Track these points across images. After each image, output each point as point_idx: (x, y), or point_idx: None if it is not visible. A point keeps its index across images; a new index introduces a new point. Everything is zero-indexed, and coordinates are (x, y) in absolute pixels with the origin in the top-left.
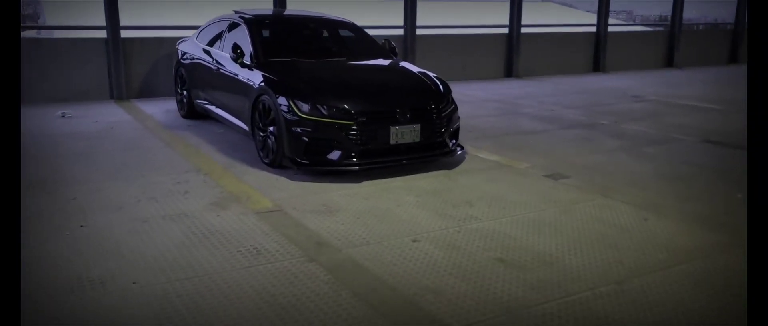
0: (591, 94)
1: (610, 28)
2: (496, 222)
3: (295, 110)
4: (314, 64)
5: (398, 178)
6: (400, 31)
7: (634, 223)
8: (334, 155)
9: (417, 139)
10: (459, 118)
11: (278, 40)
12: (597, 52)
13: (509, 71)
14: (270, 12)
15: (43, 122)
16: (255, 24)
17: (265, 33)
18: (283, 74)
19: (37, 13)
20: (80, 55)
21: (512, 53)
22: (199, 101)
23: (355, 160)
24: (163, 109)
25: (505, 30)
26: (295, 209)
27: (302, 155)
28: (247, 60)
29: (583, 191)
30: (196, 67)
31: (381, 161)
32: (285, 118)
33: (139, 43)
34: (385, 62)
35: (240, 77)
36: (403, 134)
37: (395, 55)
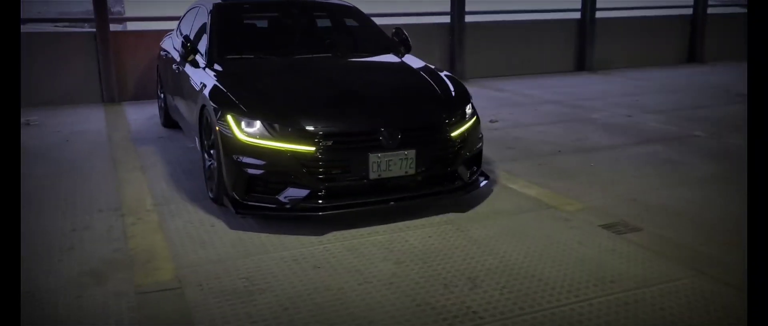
0: (683, 92)
1: (709, 10)
2: None
3: (234, 130)
4: (284, 63)
5: (381, 227)
6: (447, 19)
7: None
8: (288, 195)
9: (411, 171)
10: (482, 136)
11: (249, 30)
12: (693, 38)
13: (581, 64)
14: None
15: None
16: (221, 10)
17: (237, 21)
18: (231, 77)
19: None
20: (67, 51)
21: (585, 42)
22: (171, 108)
23: (320, 202)
24: (148, 115)
25: (577, 15)
26: (200, 286)
27: (244, 194)
28: (199, 57)
29: (661, 259)
30: (166, 66)
31: (355, 204)
32: (223, 140)
33: (133, 37)
34: (386, 59)
35: (192, 80)
36: (390, 164)
37: (408, 49)
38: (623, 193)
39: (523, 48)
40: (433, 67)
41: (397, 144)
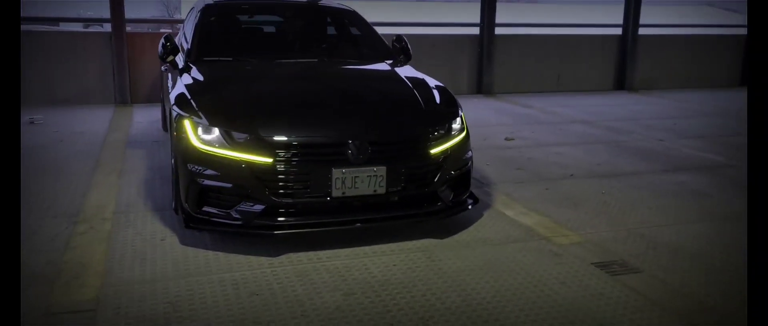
0: (729, 117)
1: None
2: None
3: (190, 137)
4: (263, 67)
5: (344, 251)
6: (476, 31)
7: None
8: (241, 211)
9: (381, 190)
10: (471, 154)
11: (235, 32)
12: (747, 60)
13: (620, 83)
14: (245, 0)
15: None
16: (208, 10)
17: (225, 23)
18: (201, 80)
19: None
20: (81, 51)
21: (626, 60)
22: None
23: (281, 220)
24: (153, 119)
25: (618, 31)
26: (117, 309)
27: (196, 206)
28: (179, 58)
29: (655, 308)
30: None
31: (315, 224)
32: (180, 147)
33: (149, 38)
34: (375, 67)
35: (169, 82)
36: (356, 181)
37: (408, 58)
38: (631, 227)
39: (558, 64)
40: (424, 77)
41: (366, 159)
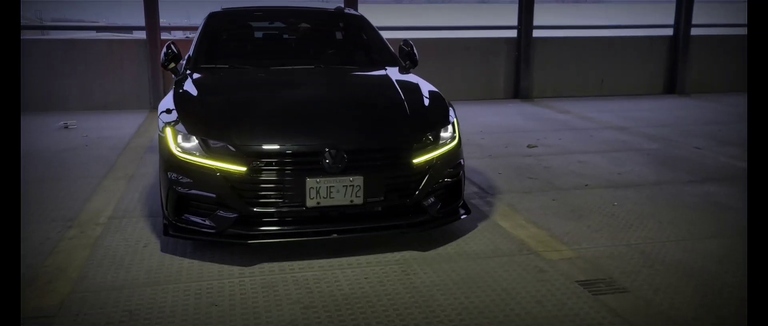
0: None
1: None
2: None
3: (170, 145)
4: (256, 74)
5: (319, 262)
6: (513, 34)
7: None
8: (216, 219)
9: (358, 200)
10: (461, 163)
11: (237, 39)
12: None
13: (671, 86)
14: (255, 6)
15: (34, 135)
16: (213, 18)
17: (229, 30)
18: (191, 88)
19: None
20: (118, 58)
21: (677, 62)
22: None
23: (255, 229)
24: None
25: (668, 31)
26: (77, 316)
27: (174, 214)
28: (180, 66)
29: None
30: None
31: (288, 234)
32: (162, 155)
33: (181, 45)
34: (370, 73)
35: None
36: (332, 191)
37: (414, 63)
38: (634, 242)
39: (602, 67)
40: (419, 83)
41: (343, 168)
